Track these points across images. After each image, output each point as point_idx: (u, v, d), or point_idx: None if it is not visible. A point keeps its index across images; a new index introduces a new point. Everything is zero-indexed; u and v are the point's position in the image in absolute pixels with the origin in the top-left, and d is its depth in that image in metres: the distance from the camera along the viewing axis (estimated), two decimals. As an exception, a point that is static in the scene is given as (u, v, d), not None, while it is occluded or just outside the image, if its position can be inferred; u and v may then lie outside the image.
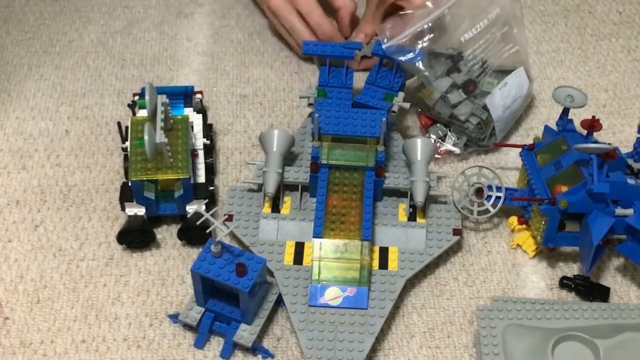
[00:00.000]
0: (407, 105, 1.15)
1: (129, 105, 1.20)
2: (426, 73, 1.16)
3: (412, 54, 1.15)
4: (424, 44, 1.15)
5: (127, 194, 1.09)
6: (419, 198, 1.06)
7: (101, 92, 1.30)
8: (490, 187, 1.09)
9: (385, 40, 1.15)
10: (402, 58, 1.15)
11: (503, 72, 1.20)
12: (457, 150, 1.20)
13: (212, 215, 0.96)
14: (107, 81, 1.32)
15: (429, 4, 1.16)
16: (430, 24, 1.15)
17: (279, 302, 1.03)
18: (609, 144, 1.07)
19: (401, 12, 1.17)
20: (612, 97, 1.33)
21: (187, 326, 1.01)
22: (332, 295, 1.00)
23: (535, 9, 1.49)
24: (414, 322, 1.03)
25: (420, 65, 1.16)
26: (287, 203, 1.10)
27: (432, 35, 1.15)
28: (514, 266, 1.09)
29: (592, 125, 1.07)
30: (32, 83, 1.31)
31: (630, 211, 1.01)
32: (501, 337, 0.96)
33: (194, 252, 1.09)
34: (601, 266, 1.09)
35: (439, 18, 1.15)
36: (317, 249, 1.02)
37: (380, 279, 1.02)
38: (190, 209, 1.08)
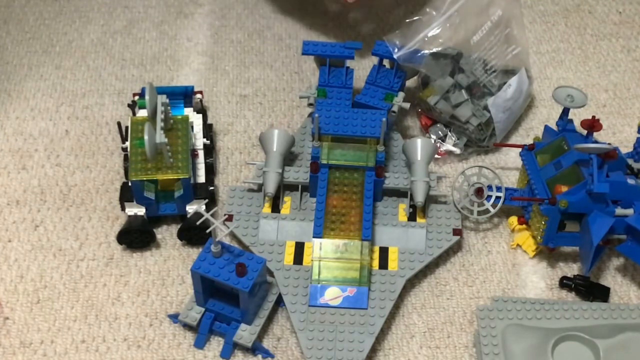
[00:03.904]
0: (407, 105, 1.15)
1: (129, 105, 1.20)
2: (429, 73, 1.16)
3: (419, 56, 1.15)
4: (434, 50, 1.15)
5: (127, 194, 1.09)
6: (419, 198, 1.06)
7: (101, 92, 1.30)
8: (490, 187, 1.09)
9: (396, 50, 1.15)
10: (412, 63, 1.15)
11: (504, 73, 1.20)
12: (457, 150, 1.20)
13: (212, 215, 0.96)
14: (107, 81, 1.32)
15: (433, 11, 1.16)
16: (439, 29, 1.15)
17: (279, 302, 1.02)
18: (609, 144, 1.07)
19: (408, 20, 1.17)
20: (612, 97, 1.32)
21: (187, 326, 1.01)
22: (332, 295, 1.00)
23: (535, 9, 1.49)
24: (414, 322, 1.03)
25: (422, 65, 1.16)
26: (287, 203, 1.10)
27: (441, 40, 1.15)
28: (514, 266, 1.09)
29: (592, 125, 1.07)
30: (32, 83, 1.31)
31: (630, 211, 1.01)
32: (501, 337, 0.96)
33: (194, 252, 1.09)
34: (601, 266, 1.09)
35: (447, 22, 1.15)
36: (317, 249, 1.02)
37: (380, 279, 1.02)
38: (190, 209, 1.08)
